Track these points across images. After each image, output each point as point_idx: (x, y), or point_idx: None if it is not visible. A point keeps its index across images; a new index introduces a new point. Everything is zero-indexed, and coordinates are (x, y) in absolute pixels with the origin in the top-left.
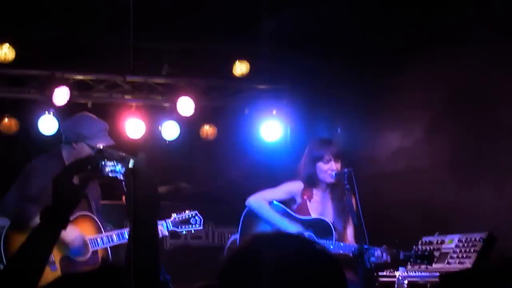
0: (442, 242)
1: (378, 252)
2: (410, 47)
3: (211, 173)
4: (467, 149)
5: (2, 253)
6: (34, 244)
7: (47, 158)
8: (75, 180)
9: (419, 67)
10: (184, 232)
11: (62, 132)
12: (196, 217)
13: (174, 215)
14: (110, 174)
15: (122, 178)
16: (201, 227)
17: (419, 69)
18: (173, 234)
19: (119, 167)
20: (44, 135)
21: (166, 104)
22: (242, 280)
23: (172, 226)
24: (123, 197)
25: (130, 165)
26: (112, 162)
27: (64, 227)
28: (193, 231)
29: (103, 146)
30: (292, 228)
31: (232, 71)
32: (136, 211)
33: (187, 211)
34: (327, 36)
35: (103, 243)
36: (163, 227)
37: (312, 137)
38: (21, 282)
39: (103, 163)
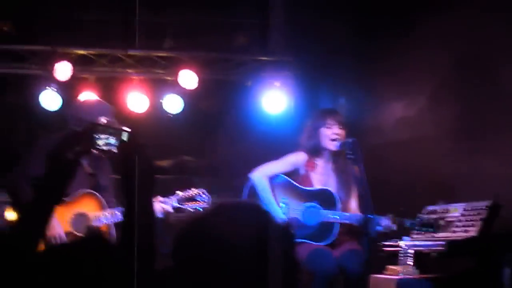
0: (447, 210)
1: (384, 221)
2: (412, 17)
3: (215, 147)
4: (471, 117)
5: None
6: (29, 219)
7: (54, 139)
8: (69, 154)
9: (423, 35)
10: (191, 210)
11: (67, 117)
12: (203, 195)
13: (178, 192)
14: (104, 148)
15: (115, 150)
16: (208, 205)
17: (423, 38)
18: (176, 208)
19: (113, 140)
20: (48, 110)
21: (169, 78)
22: (193, 250)
23: (177, 202)
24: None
25: (124, 137)
26: (106, 135)
27: (58, 203)
28: (199, 209)
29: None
30: (278, 213)
31: (234, 43)
32: (130, 183)
33: (193, 189)
34: (331, 5)
35: (106, 219)
36: (167, 204)
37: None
38: (17, 257)
39: (96, 136)
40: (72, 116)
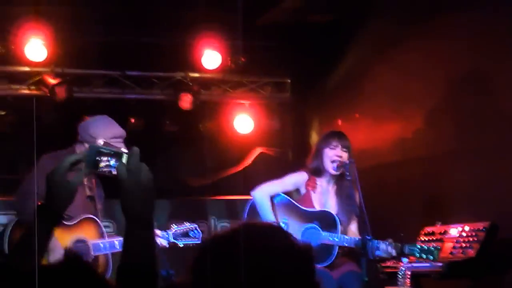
0: (445, 232)
1: (383, 246)
2: (408, 37)
3: (213, 167)
4: (468, 138)
5: (6, 248)
6: (28, 240)
7: (60, 155)
8: (69, 176)
9: (419, 56)
10: (182, 245)
11: (78, 130)
12: (195, 231)
13: (174, 226)
14: (105, 169)
15: (115, 172)
16: (199, 241)
17: (419, 59)
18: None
19: (113, 162)
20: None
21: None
22: (215, 267)
23: (173, 238)
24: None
25: (124, 159)
26: (106, 157)
27: (56, 224)
28: (191, 245)
29: (99, 142)
30: None
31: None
32: (130, 205)
33: (186, 223)
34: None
35: (105, 248)
36: (163, 239)
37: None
38: (17, 278)
39: (97, 158)
40: (85, 131)
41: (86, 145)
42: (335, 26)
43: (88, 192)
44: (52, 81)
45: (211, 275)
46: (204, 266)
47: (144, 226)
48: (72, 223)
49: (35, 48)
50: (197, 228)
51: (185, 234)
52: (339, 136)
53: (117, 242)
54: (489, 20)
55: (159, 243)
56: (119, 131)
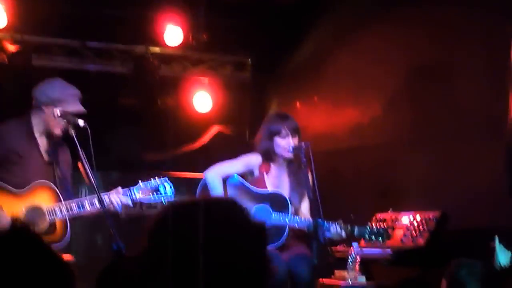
0: (396, 219)
1: (333, 228)
2: (369, 22)
3: (170, 143)
4: (424, 126)
5: None
6: None
7: (15, 124)
8: None
9: (379, 42)
10: (156, 201)
11: (32, 95)
12: (166, 184)
13: (140, 183)
14: None
15: None
16: (172, 197)
17: (379, 45)
18: (137, 203)
19: None
20: None
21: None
22: (173, 236)
23: (141, 194)
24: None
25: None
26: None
27: None
28: (164, 202)
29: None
30: None
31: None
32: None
33: (156, 178)
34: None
35: (61, 213)
36: (127, 197)
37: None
38: None
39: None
40: (41, 94)
41: (44, 109)
42: (298, 8)
43: (46, 158)
44: (11, 47)
45: (169, 242)
46: (162, 233)
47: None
48: (24, 191)
49: None
50: (168, 181)
51: (154, 190)
52: (288, 122)
53: (75, 205)
54: (449, 10)
55: (119, 202)
56: (76, 91)
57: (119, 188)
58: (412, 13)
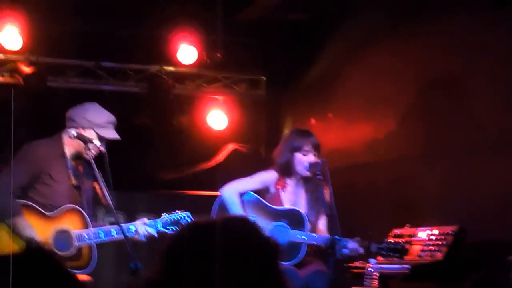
0: (413, 234)
1: (351, 244)
2: (382, 39)
3: (185, 161)
4: (439, 141)
5: None
6: None
7: (47, 144)
8: None
9: (393, 58)
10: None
11: (69, 117)
12: (187, 218)
13: (164, 215)
14: None
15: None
16: None
17: (392, 60)
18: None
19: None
20: None
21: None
22: (189, 255)
23: (162, 226)
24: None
25: None
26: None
27: None
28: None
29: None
30: None
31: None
32: None
33: (178, 212)
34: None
35: (89, 238)
36: (152, 228)
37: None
38: None
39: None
40: (79, 116)
41: (81, 130)
42: (311, 26)
43: (73, 182)
44: (26, 69)
45: (184, 262)
46: (179, 252)
47: None
48: (54, 214)
49: (10, 36)
50: (189, 216)
51: (176, 222)
52: (310, 139)
53: (102, 232)
54: (461, 24)
55: (145, 232)
56: (112, 117)
57: (145, 219)
58: (423, 27)
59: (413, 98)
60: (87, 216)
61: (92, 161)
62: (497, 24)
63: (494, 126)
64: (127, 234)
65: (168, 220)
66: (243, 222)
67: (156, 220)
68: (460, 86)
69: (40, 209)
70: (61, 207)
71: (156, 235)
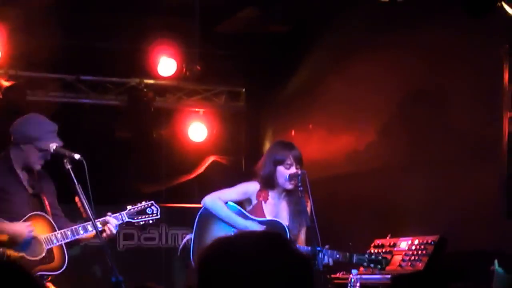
0: (394, 245)
1: (331, 254)
2: (363, 49)
3: (166, 174)
4: (419, 151)
5: None
6: None
7: None
8: None
9: (373, 68)
10: (142, 223)
11: (10, 133)
12: (153, 207)
13: (128, 207)
14: None
15: None
16: (158, 216)
17: (372, 71)
18: (126, 235)
19: None
20: None
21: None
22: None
23: (128, 217)
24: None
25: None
26: None
27: None
28: (151, 221)
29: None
30: (249, 226)
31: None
32: None
33: (143, 202)
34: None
35: (57, 240)
36: (114, 219)
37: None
38: None
39: None
40: (17, 133)
41: (21, 147)
42: (291, 37)
43: (30, 191)
44: (5, 83)
45: (218, 277)
46: (211, 269)
47: None
48: (19, 223)
49: None
50: (154, 204)
51: (142, 212)
52: (293, 152)
53: (69, 232)
54: (443, 37)
55: (113, 223)
56: (51, 126)
57: (109, 213)
58: (404, 38)
59: (394, 109)
60: (51, 219)
61: (72, 174)
62: (477, 33)
63: (474, 136)
64: (97, 229)
65: (133, 211)
66: (275, 236)
67: (121, 212)
68: (440, 96)
69: (5, 220)
70: (24, 216)
71: (116, 228)
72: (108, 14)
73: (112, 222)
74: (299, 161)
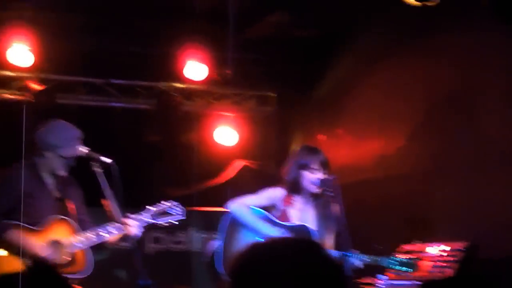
0: (423, 250)
1: (361, 258)
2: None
3: (194, 178)
4: (448, 157)
5: None
6: None
7: (22, 167)
8: None
9: (404, 75)
10: (166, 224)
11: (34, 141)
12: (177, 208)
13: (149, 208)
14: None
15: None
16: (183, 217)
17: (402, 77)
18: (155, 239)
19: None
20: None
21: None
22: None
23: (150, 218)
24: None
25: None
26: None
27: None
28: (174, 223)
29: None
30: (274, 232)
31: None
32: None
33: (162, 202)
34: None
35: (81, 244)
36: (135, 221)
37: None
38: None
39: None
40: (40, 140)
41: (45, 154)
42: (321, 42)
43: (56, 194)
44: (36, 87)
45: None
46: (247, 275)
47: None
48: (42, 227)
49: (19, 53)
50: (178, 205)
51: (165, 213)
52: (318, 157)
53: (92, 234)
54: (474, 42)
55: (136, 224)
56: (74, 134)
57: (128, 214)
58: (433, 43)
59: (424, 114)
60: (74, 223)
61: (102, 177)
62: (507, 39)
63: (504, 141)
64: (121, 231)
65: (155, 212)
66: (310, 244)
67: (142, 213)
68: (470, 101)
69: (27, 225)
70: (47, 220)
71: (141, 230)
72: (138, 19)
73: (131, 223)
74: (324, 165)
